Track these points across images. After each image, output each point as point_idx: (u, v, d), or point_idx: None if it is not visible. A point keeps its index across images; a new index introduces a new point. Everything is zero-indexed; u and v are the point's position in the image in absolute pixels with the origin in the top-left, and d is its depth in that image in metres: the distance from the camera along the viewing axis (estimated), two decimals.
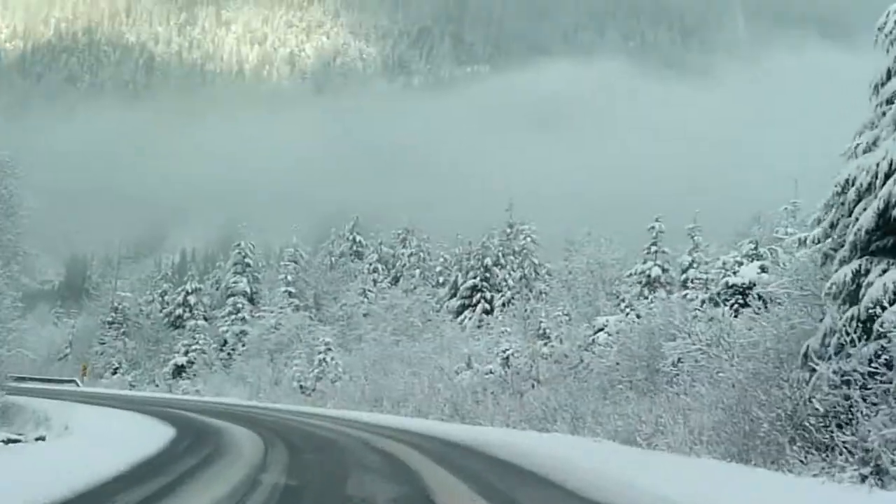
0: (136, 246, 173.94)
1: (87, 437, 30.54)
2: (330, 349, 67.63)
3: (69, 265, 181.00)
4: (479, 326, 69.15)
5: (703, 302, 41.73)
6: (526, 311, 63.28)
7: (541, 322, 53.44)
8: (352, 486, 18.23)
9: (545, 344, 51.70)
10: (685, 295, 47.10)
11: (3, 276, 50.73)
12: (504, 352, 52.06)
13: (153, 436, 31.10)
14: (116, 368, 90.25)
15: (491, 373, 51.54)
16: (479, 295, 76.88)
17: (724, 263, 43.02)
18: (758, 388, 26.13)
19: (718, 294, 41.18)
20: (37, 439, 31.62)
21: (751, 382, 27.36)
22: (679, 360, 36.64)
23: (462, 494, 17.61)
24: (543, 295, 69.03)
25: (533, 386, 47.77)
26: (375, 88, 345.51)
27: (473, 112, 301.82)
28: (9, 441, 31.15)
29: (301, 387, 67.23)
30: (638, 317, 45.35)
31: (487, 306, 75.35)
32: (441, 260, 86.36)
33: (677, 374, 35.96)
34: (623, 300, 52.01)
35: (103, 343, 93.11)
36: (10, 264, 52.75)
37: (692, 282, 49.91)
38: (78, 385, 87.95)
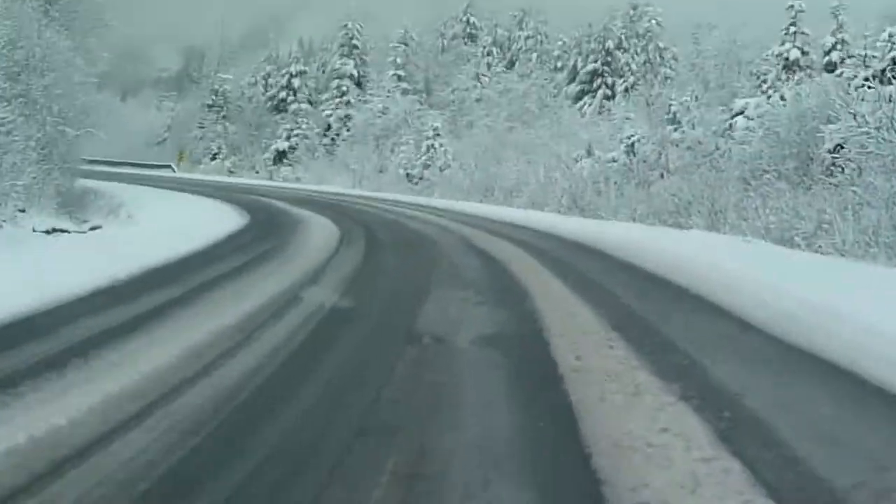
0: (253, 36, 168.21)
1: (143, 227, 26.03)
2: (439, 135, 61.93)
3: (186, 54, 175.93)
4: (599, 113, 63.81)
5: (865, 80, 35.20)
6: (651, 95, 57.80)
7: (670, 105, 47.01)
8: (427, 315, 11.99)
9: (675, 129, 45.51)
10: (840, 73, 40.76)
11: (78, 49, 45.98)
12: (629, 138, 46.19)
13: (218, 227, 25.83)
14: (216, 154, 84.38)
15: (614, 161, 45.84)
16: (599, 80, 71.74)
17: (889, 36, 36.48)
18: None
19: (884, 71, 34.81)
20: (91, 229, 27.43)
21: None
22: (839, 146, 30.46)
23: (592, 331, 11.18)
24: (669, 81, 62.91)
25: (662, 175, 42.03)
26: None
27: None
28: (53, 231, 26.53)
29: (407, 175, 61.82)
30: (782, 99, 39.26)
31: (608, 92, 70.23)
32: (559, 44, 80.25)
33: (835, 163, 29.97)
34: (765, 81, 45.53)
35: (202, 127, 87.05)
36: (87, 37, 48.03)
37: (845, 60, 43.62)
38: (174, 171, 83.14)
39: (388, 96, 74.35)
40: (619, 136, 47.99)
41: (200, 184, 60.85)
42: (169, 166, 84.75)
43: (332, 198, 49.30)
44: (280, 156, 77.94)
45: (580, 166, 47.50)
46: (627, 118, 51.69)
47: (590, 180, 44.34)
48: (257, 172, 78.47)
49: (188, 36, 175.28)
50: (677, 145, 43.69)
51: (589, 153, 48.76)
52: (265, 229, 26.95)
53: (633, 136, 46.19)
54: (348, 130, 75.34)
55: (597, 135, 51.71)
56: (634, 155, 45.06)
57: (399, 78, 78.23)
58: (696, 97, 48.96)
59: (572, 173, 46.57)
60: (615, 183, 42.86)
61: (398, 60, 79.69)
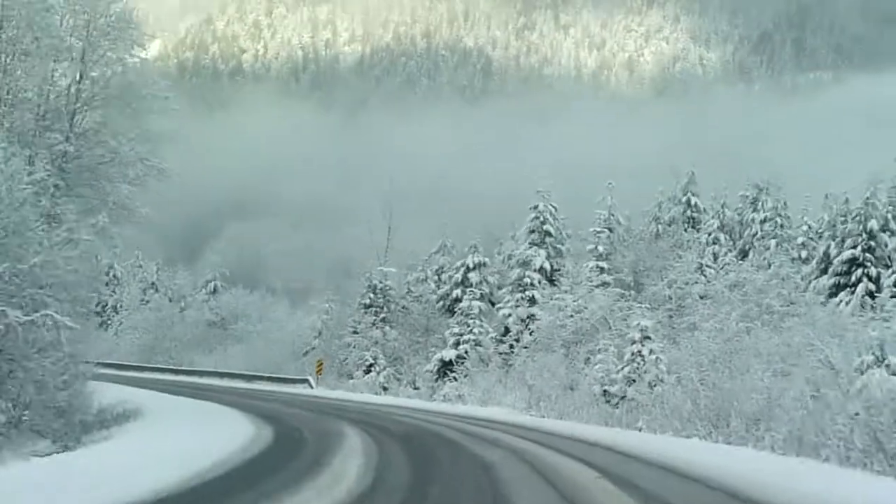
0: (463, 245, 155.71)
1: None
2: (649, 337, 43.39)
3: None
4: (860, 313, 46.94)
5: None
6: None
7: None
8: None
9: None
10: None
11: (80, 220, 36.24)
12: None
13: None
14: (371, 365, 65.53)
15: None
16: (860, 271, 54.10)
17: None
18: None
19: None
20: None
21: None
22: None
23: None
24: None
25: None
26: (715, 94, 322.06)
27: (816, 118, 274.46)
28: None
29: (604, 392, 43.20)
30: None
31: (871, 286, 52.74)
32: (804, 228, 62.85)
33: None
34: None
35: (356, 332, 68.52)
36: (100, 213, 38.88)
37: None
38: (311, 387, 66.05)
39: (586, 291, 56.26)
40: None
41: (314, 407, 44.35)
42: (306, 381, 67.65)
43: (476, 430, 31.34)
44: (445, 367, 59.39)
45: (868, 379, 28.40)
46: None
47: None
48: (416, 389, 60.19)
49: (403, 244, 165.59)
50: None
51: (882, 360, 29.64)
52: None
53: None
54: (531, 334, 56.87)
55: (889, 332, 32.78)
56: None
57: (601, 270, 60.29)
58: None
59: (859, 392, 27.28)
60: None
61: (600, 249, 61.68)
